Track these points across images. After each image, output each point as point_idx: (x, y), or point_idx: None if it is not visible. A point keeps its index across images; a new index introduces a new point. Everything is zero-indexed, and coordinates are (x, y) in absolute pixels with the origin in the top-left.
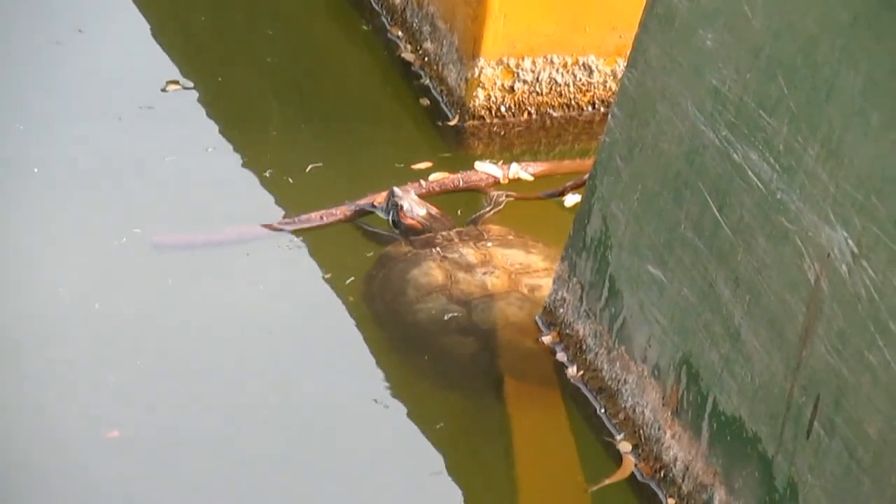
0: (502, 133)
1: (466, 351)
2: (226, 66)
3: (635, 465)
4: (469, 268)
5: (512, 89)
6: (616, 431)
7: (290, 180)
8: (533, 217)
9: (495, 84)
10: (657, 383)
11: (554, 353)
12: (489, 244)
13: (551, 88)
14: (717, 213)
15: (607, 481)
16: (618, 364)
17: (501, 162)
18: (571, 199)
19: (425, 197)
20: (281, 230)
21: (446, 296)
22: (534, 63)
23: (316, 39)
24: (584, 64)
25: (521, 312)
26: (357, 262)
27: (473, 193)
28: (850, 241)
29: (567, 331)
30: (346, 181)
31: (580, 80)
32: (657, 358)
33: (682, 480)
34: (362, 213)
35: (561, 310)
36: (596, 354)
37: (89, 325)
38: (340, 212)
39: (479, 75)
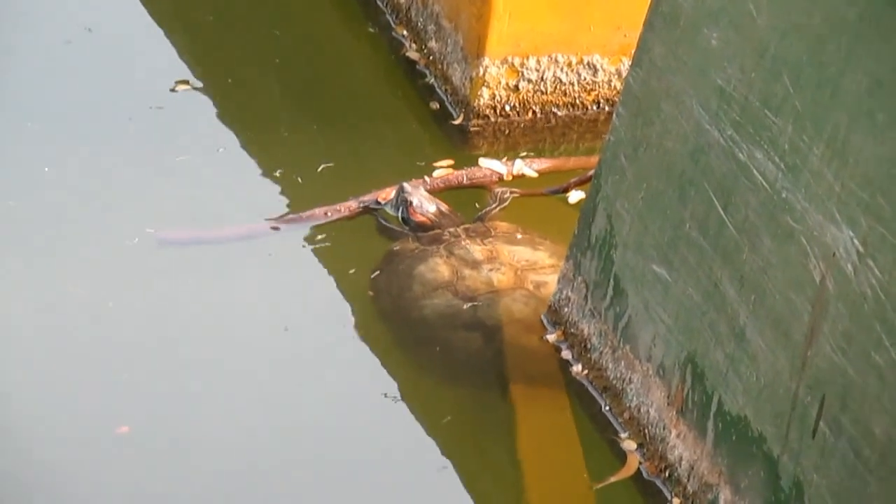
0: (507, 132)
1: (472, 347)
2: (234, 66)
3: (640, 464)
4: (475, 264)
5: (516, 88)
6: (621, 430)
7: (300, 179)
8: (537, 214)
9: (500, 83)
10: (662, 382)
11: (559, 351)
12: (496, 241)
13: (556, 87)
14: (722, 213)
15: (612, 479)
16: (623, 363)
17: (506, 158)
18: (575, 196)
19: (431, 194)
20: (281, 227)
21: (452, 292)
22: (538, 62)
23: (322, 39)
24: (588, 63)
25: (526, 309)
26: (364, 259)
27: (478, 190)
28: (855, 241)
29: (572, 329)
30: (355, 179)
31: (585, 79)
32: (662, 357)
33: (688, 480)
34: (368, 209)
35: (566, 309)
36: (601, 353)
37: (102, 323)
38: (345, 208)
39: (484, 74)
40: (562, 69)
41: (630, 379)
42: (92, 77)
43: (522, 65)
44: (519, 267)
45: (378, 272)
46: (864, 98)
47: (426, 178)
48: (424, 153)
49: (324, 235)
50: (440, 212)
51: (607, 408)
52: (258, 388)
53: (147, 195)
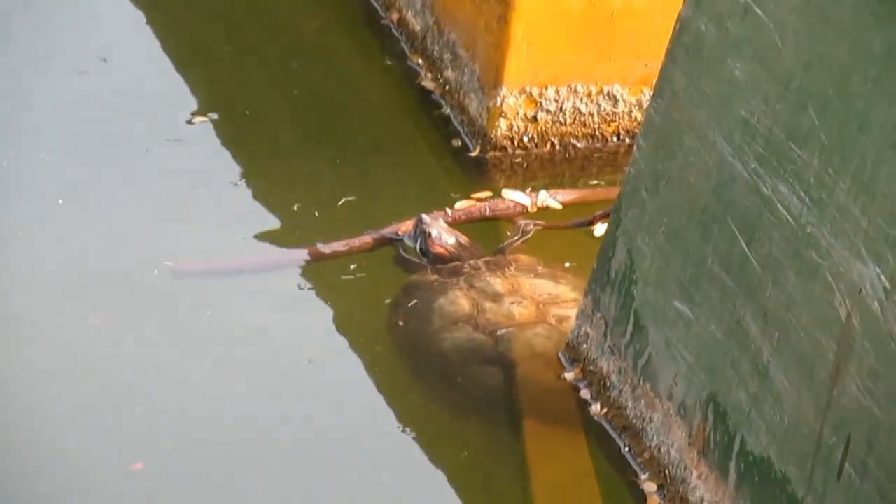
0: (525, 164)
1: (491, 382)
2: (251, 98)
3: None
4: (496, 297)
5: (535, 119)
6: (641, 471)
7: (317, 213)
8: (562, 246)
9: (518, 113)
10: (683, 422)
11: (577, 389)
12: (517, 273)
13: (575, 118)
14: (745, 248)
15: None
16: (643, 402)
17: (530, 189)
18: (601, 229)
19: (452, 226)
20: (299, 259)
21: (473, 325)
22: (557, 92)
23: (338, 69)
24: (608, 93)
25: (548, 343)
26: (383, 291)
27: (500, 222)
28: (882, 277)
29: (591, 367)
30: (369, 213)
31: (605, 109)
32: (683, 396)
33: None
34: (385, 242)
35: (584, 346)
36: (620, 392)
37: (118, 357)
38: (362, 241)
39: (501, 104)
40: (581, 99)
41: (650, 418)
42: (107, 108)
43: (541, 95)
44: (541, 300)
45: (397, 304)
46: (891, 131)
47: (447, 209)
48: (440, 186)
49: (342, 268)
50: (459, 244)
51: (626, 448)
52: (274, 423)
53: (164, 228)
